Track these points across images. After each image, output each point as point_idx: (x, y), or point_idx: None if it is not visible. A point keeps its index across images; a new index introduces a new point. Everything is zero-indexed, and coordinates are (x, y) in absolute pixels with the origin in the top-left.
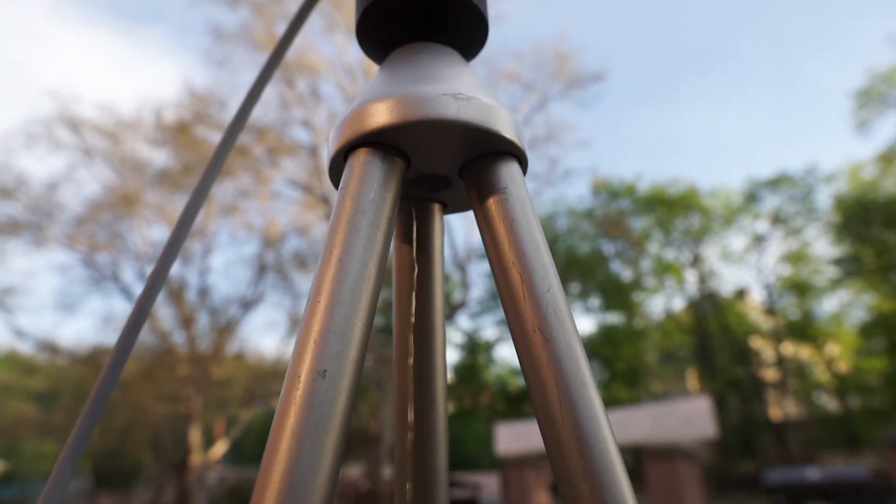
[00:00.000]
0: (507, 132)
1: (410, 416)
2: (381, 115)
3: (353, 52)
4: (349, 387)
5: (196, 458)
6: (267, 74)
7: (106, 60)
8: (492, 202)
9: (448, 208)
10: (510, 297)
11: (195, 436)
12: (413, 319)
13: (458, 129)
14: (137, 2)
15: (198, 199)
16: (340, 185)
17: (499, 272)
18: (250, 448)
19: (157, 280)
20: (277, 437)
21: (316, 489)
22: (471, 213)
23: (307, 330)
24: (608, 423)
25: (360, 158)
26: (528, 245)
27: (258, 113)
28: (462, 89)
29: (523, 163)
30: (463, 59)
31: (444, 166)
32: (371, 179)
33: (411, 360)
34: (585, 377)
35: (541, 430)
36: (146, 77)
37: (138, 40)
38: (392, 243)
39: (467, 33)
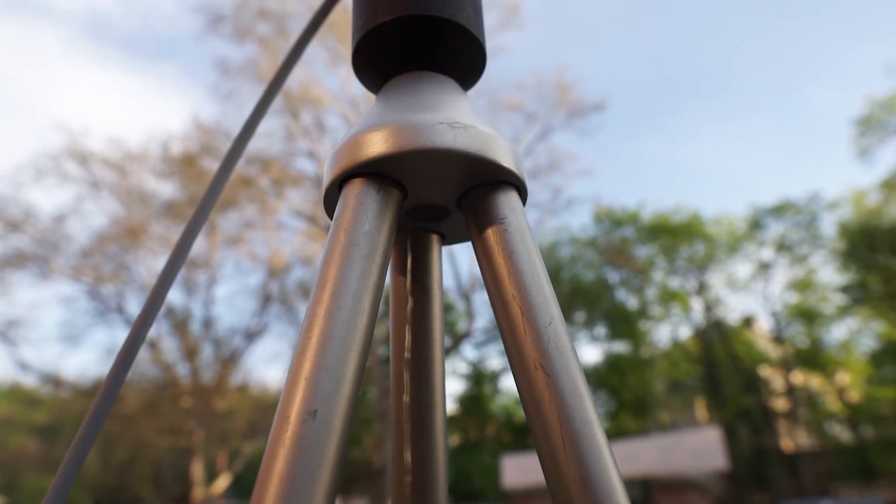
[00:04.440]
0: (506, 161)
1: (407, 457)
2: (376, 145)
3: (357, 85)
4: (341, 427)
5: (198, 493)
6: (267, 101)
7: (117, 95)
8: (490, 233)
9: (447, 239)
10: (510, 331)
11: (197, 470)
12: (408, 355)
13: (454, 159)
14: (150, 39)
15: (195, 226)
16: (335, 217)
17: (498, 305)
18: (253, 483)
19: (151, 309)
20: (265, 483)
21: None
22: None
23: (298, 368)
24: (615, 463)
25: (355, 189)
26: (528, 277)
27: (263, 144)
28: (459, 118)
29: (523, 192)
30: (460, 87)
31: (442, 196)
32: (366, 210)
33: (406, 398)
34: (590, 415)
35: (544, 472)
36: (155, 111)
37: (149, 76)
38: (389, 276)
39: (464, 62)
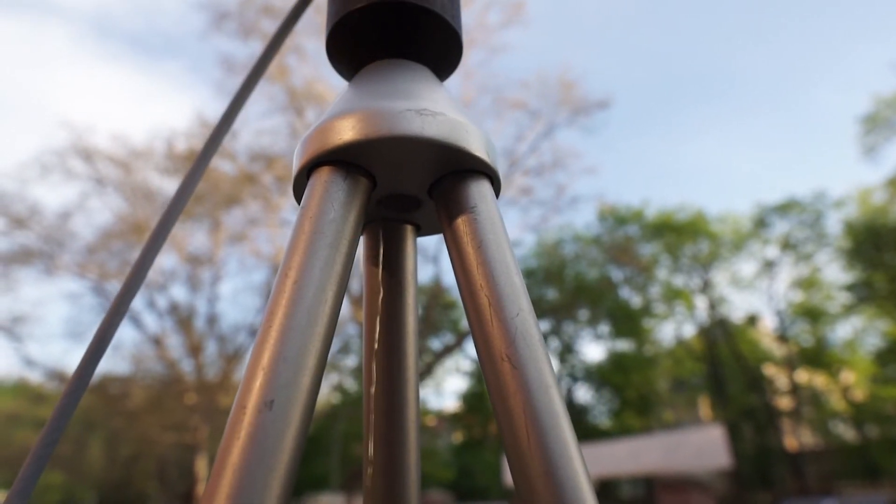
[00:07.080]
0: (476, 149)
1: (370, 449)
2: (343, 132)
3: None
4: (300, 418)
5: (202, 490)
6: (245, 93)
7: (122, 93)
8: (460, 222)
9: (421, 231)
10: (478, 321)
11: (202, 466)
12: (377, 346)
13: (422, 147)
14: (155, 37)
15: (169, 219)
16: (301, 205)
17: (467, 296)
18: None
19: (122, 301)
20: (219, 475)
21: None
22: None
23: (257, 358)
24: (581, 457)
25: (322, 177)
26: (497, 267)
27: (267, 142)
28: (428, 105)
29: (495, 182)
30: (435, 76)
31: (412, 186)
32: (332, 199)
33: (374, 390)
34: (556, 407)
35: (508, 464)
36: (160, 109)
37: (154, 73)
38: (362, 267)
39: (440, 50)
